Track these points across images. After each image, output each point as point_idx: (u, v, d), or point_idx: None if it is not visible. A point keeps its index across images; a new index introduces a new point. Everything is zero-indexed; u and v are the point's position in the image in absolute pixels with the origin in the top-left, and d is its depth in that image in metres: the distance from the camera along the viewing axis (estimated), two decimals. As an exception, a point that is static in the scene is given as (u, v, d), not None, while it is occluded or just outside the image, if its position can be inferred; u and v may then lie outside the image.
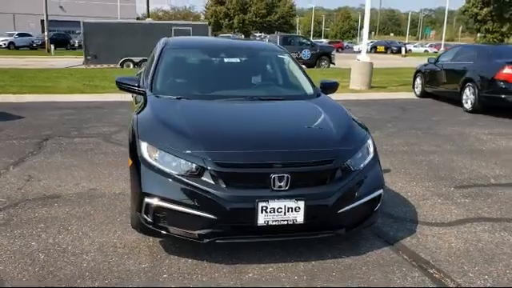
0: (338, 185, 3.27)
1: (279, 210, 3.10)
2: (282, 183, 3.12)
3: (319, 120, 3.84)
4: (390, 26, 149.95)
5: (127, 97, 11.35)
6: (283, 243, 3.52)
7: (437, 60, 12.76)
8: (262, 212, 3.07)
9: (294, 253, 3.44)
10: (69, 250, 3.41)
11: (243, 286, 3.02)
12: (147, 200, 3.17)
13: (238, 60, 4.87)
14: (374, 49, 53.87)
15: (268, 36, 35.39)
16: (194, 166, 3.15)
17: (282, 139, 3.49)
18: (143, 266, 3.21)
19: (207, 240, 3.15)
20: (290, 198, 3.11)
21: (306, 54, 24.83)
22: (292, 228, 3.18)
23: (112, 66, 22.87)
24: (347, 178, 3.33)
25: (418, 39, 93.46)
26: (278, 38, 25.26)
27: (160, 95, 4.15)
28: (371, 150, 3.67)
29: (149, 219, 3.22)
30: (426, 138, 7.76)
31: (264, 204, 3.07)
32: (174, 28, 24.28)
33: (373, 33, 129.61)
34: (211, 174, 3.12)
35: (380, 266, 3.33)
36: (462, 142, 7.48)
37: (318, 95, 4.50)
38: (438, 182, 5.37)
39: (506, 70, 9.87)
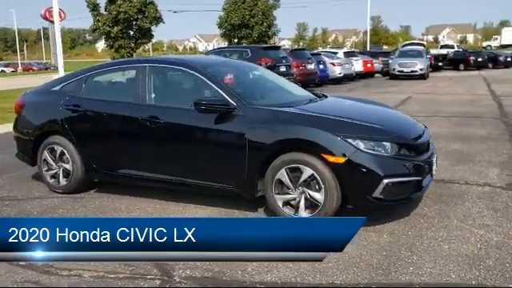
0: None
1: (433, 166, 4.36)
2: (429, 147, 4.42)
3: (381, 106, 5.21)
4: None
5: None
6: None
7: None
8: (431, 167, 4.28)
9: (413, 205, 4.49)
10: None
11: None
12: (386, 181, 3.77)
13: (260, 73, 5.29)
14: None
15: None
16: (395, 145, 3.95)
17: (400, 120, 4.72)
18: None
19: (411, 198, 4.07)
20: (433, 156, 4.44)
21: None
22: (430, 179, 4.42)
23: None
24: None
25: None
26: None
27: (260, 106, 4.33)
28: None
29: (380, 196, 3.80)
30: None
31: (431, 161, 4.27)
32: None
33: None
34: (407, 149, 4.04)
35: (458, 194, 4.84)
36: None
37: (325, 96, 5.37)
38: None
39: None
